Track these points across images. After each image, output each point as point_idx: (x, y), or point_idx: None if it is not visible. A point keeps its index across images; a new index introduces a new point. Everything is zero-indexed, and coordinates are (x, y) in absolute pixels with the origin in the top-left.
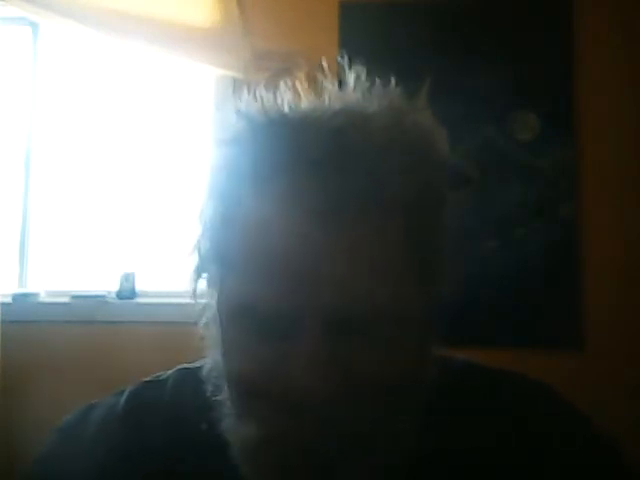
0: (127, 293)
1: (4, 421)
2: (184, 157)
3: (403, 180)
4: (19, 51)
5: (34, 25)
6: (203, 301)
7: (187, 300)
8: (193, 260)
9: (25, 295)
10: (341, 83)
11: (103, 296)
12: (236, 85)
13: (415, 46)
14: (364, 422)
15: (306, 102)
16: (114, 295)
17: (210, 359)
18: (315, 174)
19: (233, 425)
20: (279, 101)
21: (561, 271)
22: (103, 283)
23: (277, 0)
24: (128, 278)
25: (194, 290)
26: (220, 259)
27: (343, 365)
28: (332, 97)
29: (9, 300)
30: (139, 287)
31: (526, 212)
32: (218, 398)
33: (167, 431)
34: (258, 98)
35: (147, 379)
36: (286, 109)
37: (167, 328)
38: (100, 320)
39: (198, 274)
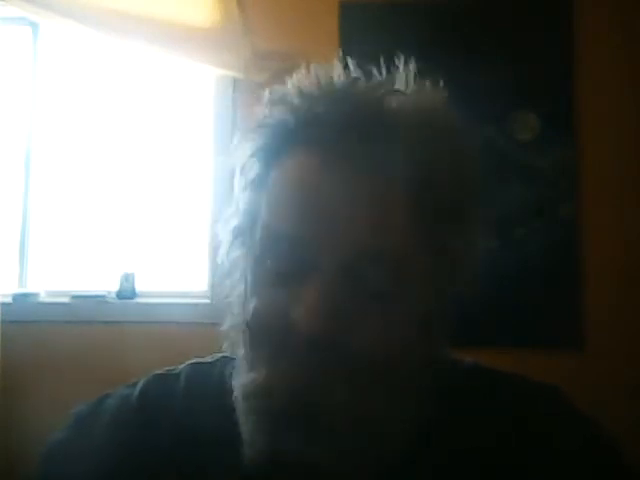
0: (127, 293)
1: (4, 421)
2: (184, 157)
3: (429, 157)
4: (19, 51)
5: (34, 25)
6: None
7: (187, 300)
8: (233, 220)
9: (25, 295)
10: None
11: (103, 296)
12: (236, 85)
13: (415, 46)
14: (357, 379)
15: (350, 76)
16: (114, 295)
17: (231, 318)
18: (355, 137)
19: (240, 376)
20: (328, 73)
21: (561, 271)
22: (103, 283)
23: (277, 0)
24: (128, 278)
25: (227, 252)
26: (260, 209)
27: (346, 310)
28: (378, 83)
29: (9, 300)
30: (139, 287)
31: (526, 212)
32: (236, 354)
33: (180, 423)
34: (310, 71)
35: (159, 372)
36: (335, 78)
37: (167, 328)
38: (100, 320)
39: (238, 233)
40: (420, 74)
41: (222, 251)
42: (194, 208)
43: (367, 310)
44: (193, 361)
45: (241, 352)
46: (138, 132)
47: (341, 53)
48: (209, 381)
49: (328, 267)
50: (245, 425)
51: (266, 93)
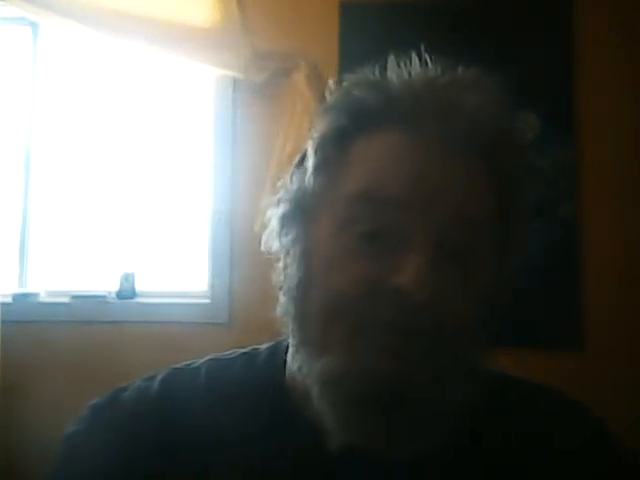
0: (127, 293)
1: (4, 421)
2: (184, 157)
3: (498, 135)
4: (19, 51)
5: (34, 25)
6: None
7: (187, 300)
8: (284, 205)
9: (25, 295)
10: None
11: (103, 296)
12: (236, 85)
13: (415, 46)
14: (446, 356)
15: (438, 73)
16: (114, 295)
17: (283, 302)
18: (443, 120)
19: (305, 362)
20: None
21: (561, 271)
22: (103, 283)
23: (277, 0)
24: (128, 278)
25: (280, 232)
26: (331, 186)
27: (444, 279)
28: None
29: (9, 300)
30: (139, 287)
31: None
32: (292, 340)
33: (200, 420)
34: (390, 65)
35: (178, 366)
36: (431, 74)
37: (167, 328)
38: (100, 320)
39: (290, 218)
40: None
41: (270, 236)
42: (194, 208)
43: (455, 279)
44: (212, 356)
45: (304, 335)
46: (138, 132)
47: (341, 53)
48: (230, 378)
49: (427, 234)
50: (326, 413)
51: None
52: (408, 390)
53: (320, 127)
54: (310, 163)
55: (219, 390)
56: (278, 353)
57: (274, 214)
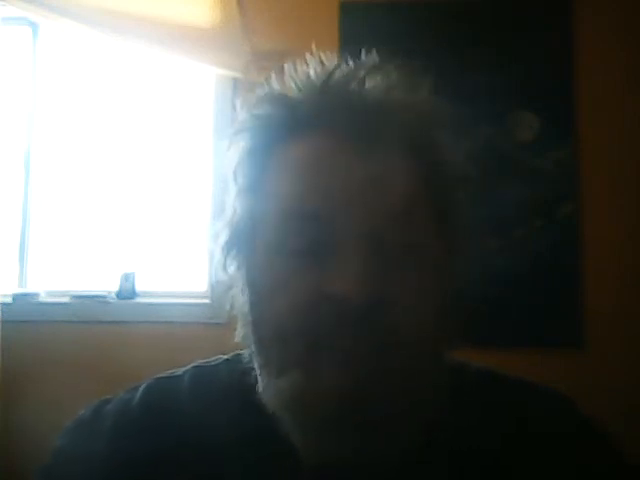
0: (127, 293)
1: (4, 421)
2: (184, 157)
3: (418, 130)
4: (19, 51)
5: (34, 25)
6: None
7: (187, 300)
8: (224, 234)
9: (25, 295)
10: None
11: (103, 296)
12: (236, 85)
13: (415, 46)
14: (395, 356)
15: (334, 68)
16: (114, 295)
17: (241, 327)
18: (348, 120)
19: (267, 384)
20: (311, 69)
21: (561, 271)
22: (103, 283)
23: (277, 0)
24: (128, 278)
25: (224, 262)
26: (257, 210)
27: (382, 285)
28: (356, 66)
29: (9, 300)
30: (139, 287)
31: (526, 212)
32: (253, 362)
33: (187, 425)
34: (288, 71)
35: (162, 375)
36: (327, 71)
37: (167, 328)
38: (100, 320)
39: (231, 246)
40: (415, 71)
41: (217, 267)
42: (194, 208)
43: (399, 277)
44: (196, 364)
45: (263, 358)
46: (138, 132)
47: (341, 53)
48: (214, 383)
49: (358, 238)
50: (293, 431)
51: (244, 97)
52: (365, 404)
53: (233, 153)
54: (232, 190)
55: (203, 397)
56: None
57: (217, 244)
